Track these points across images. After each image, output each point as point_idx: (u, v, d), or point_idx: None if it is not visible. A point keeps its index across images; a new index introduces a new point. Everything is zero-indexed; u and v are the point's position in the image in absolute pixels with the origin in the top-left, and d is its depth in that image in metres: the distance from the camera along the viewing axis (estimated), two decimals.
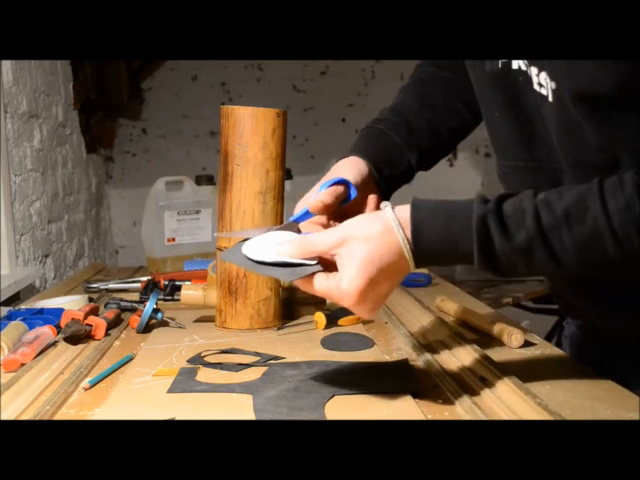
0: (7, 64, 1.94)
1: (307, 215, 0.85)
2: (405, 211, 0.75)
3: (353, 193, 0.87)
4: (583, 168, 0.78)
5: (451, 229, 0.73)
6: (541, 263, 0.72)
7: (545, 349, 1.05)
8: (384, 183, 0.94)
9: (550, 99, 0.78)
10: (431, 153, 1.01)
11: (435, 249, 0.74)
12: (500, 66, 0.84)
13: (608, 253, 0.70)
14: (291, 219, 0.86)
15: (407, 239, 0.74)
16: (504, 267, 0.74)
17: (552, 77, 0.77)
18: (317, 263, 0.79)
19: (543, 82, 0.79)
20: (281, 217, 1.23)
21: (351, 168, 0.91)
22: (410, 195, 0.82)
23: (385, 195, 0.94)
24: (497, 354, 0.99)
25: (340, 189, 0.86)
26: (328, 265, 0.78)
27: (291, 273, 0.79)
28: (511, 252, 0.72)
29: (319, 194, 0.85)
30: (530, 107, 0.83)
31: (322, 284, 0.77)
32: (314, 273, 0.78)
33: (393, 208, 0.76)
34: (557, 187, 0.75)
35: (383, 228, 0.75)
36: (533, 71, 0.80)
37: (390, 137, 0.97)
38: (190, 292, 1.27)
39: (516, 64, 0.82)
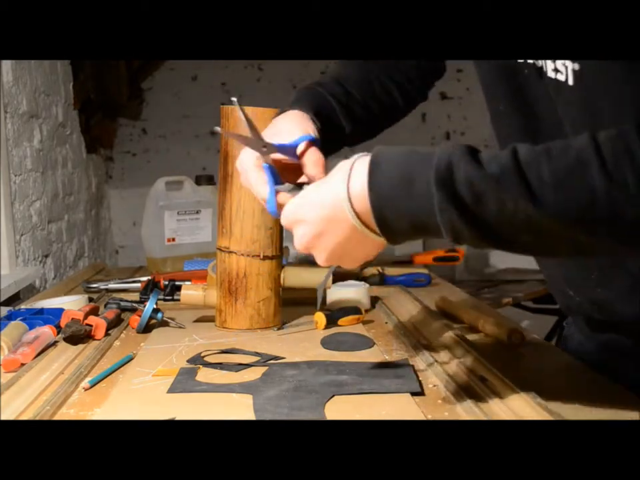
0: (6, 64, 1.94)
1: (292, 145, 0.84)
2: (360, 182, 0.70)
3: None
4: None
5: (409, 164, 0.67)
6: (514, 201, 0.62)
7: (544, 349, 1.05)
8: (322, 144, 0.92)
9: (570, 82, 0.73)
10: (362, 126, 1.01)
11: (389, 189, 0.67)
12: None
13: (595, 187, 0.59)
14: (276, 144, 0.83)
15: (357, 215, 0.70)
16: (468, 206, 0.63)
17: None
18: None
19: (560, 67, 0.74)
20: None
21: (306, 124, 0.90)
22: None
23: None
24: (496, 354, 0.99)
25: (314, 149, 0.84)
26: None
27: None
28: (479, 181, 0.62)
29: (300, 142, 0.83)
30: (535, 100, 0.82)
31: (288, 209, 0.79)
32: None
33: (348, 180, 0.71)
34: None
35: (333, 214, 0.73)
36: None
37: (330, 102, 0.97)
38: (190, 292, 1.27)
39: None
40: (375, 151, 0.71)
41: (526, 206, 0.62)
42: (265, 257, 1.20)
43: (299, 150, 0.84)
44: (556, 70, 0.76)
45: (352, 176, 0.71)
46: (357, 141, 1.02)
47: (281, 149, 0.83)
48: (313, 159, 0.83)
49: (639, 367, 0.90)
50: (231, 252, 1.20)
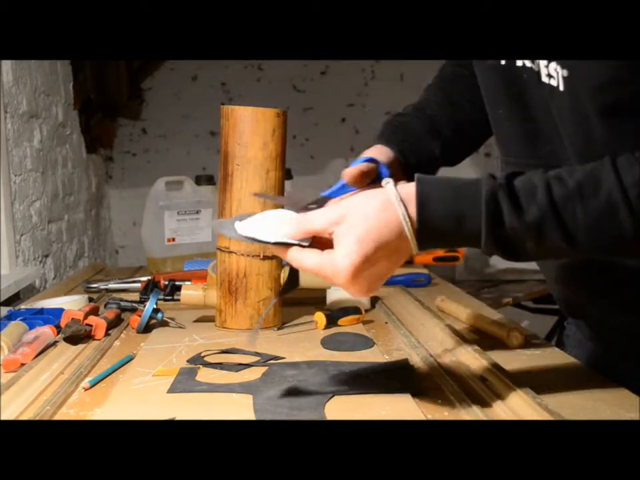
0: (7, 64, 1.94)
1: (342, 189, 0.79)
2: (409, 187, 0.72)
3: (385, 172, 0.81)
4: (589, 163, 0.76)
5: (459, 202, 0.70)
6: (551, 242, 0.68)
7: (545, 349, 1.05)
8: (409, 170, 0.93)
9: (561, 87, 0.76)
10: (455, 146, 1.02)
11: (440, 225, 0.70)
12: (503, 62, 0.84)
13: (623, 228, 0.66)
14: (324, 193, 0.80)
15: (409, 216, 0.70)
16: (512, 246, 0.70)
17: (563, 65, 0.75)
18: (310, 244, 0.75)
19: (552, 72, 0.77)
20: None
21: (378, 153, 0.91)
22: None
23: None
24: (496, 354, 0.99)
25: (372, 165, 0.81)
26: (327, 246, 0.74)
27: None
28: (521, 228, 0.68)
29: (355, 165, 0.80)
30: (534, 104, 0.82)
31: (313, 259, 0.74)
32: (304, 246, 0.75)
33: (395, 185, 0.73)
34: None
35: (382, 205, 0.71)
36: (542, 62, 0.78)
37: (414, 128, 0.98)
38: (190, 292, 1.27)
39: (520, 60, 0.82)
40: (420, 183, 0.72)
41: (561, 244, 0.69)
42: (265, 257, 1.20)
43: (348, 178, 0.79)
44: (549, 75, 0.78)
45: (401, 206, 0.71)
46: (454, 160, 1.03)
47: (330, 196, 0.80)
48: (348, 171, 0.79)
49: (638, 368, 0.90)
50: (230, 252, 1.20)
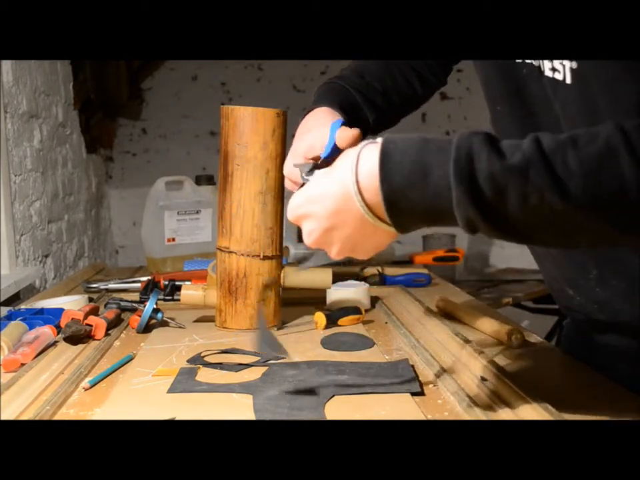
0: (7, 64, 1.94)
1: (334, 151, 0.79)
2: (369, 172, 0.67)
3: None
4: None
5: (423, 153, 0.63)
6: (539, 194, 0.59)
7: (544, 349, 1.05)
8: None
9: (568, 80, 0.72)
10: (383, 117, 1.03)
11: (403, 184, 0.63)
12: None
13: (624, 176, 0.58)
14: (323, 155, 0.81)
15: (368, 207, 0.67)
16: (489, 201, 0.60)
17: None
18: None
19: (557, 66, 0.73)
20: (280, 216, 1.23)
21: (334, 118, 0.90)
22: None
23: None
24: (496, 354, 0.99)
25: (358, 130, 0.80)
26: None
27: None
28: (502, 175, 0.59)
29: (343, 129, 0.79)
30: (534, 100, 0.82)
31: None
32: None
33: (357, 160, 0.68)
34: None
35: (342, 206, 0.69)
36: None
37: (352, 95, 0.99)
38: (190, 292, 1.27)
39: None
40: (385, 140, 0.67)
41: (551, 198, 0.59)
42: (265, 257, 1.20)
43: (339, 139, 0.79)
44: (553, 69, 0.75)
45: (360, 166, 0.67)
46: (379, 129, 1.03)
47: (326, 157, 0.81)
48: (342, 135, 0.79)
49: (636, 368, 0.90)
50: (231, 252, 1.20)
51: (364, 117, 0.99)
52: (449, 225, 0.66)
